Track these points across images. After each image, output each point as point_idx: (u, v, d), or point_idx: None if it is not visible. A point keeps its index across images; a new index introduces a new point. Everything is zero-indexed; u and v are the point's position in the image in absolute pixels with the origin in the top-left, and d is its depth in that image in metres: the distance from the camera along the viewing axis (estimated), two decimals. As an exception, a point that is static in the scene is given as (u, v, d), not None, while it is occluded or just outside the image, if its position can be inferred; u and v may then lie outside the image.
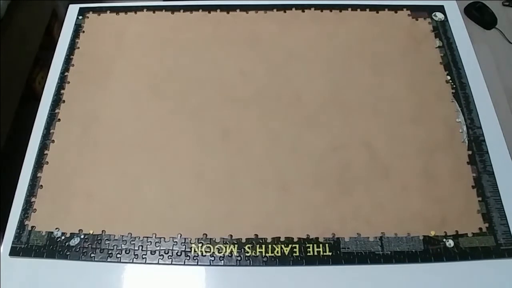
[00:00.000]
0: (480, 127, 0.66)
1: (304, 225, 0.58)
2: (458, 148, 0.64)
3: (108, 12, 0.79)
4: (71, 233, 0.58)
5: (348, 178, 0.62)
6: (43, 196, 0.61)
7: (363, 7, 0.78)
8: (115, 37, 0.76)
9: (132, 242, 0.58)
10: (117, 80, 0.71)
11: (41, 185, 0.62)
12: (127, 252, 0.57)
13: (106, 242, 0.58)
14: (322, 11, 0.78)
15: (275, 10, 0.78)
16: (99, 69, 0.72)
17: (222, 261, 0.56)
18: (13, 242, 0.58)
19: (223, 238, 0.58)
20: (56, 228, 0.59)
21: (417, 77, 0.70)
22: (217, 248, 0.57)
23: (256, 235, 0.58)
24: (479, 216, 0.59)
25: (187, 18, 0.78)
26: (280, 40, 0.75)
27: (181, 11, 0.79)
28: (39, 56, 1.34)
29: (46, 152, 0.65)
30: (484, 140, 0.65)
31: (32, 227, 0.59)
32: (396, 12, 0.77)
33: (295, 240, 0.57)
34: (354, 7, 0.78)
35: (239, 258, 0.57)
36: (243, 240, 0.57)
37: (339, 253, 0.57)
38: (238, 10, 0.78)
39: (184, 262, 0.57)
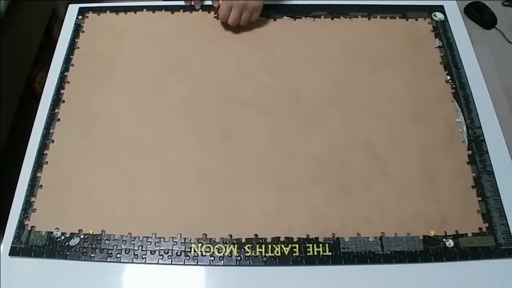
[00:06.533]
0: (480, 127, 0.66)
1: (304, 225, 0.58)
2: (458, 148, 0.64)
3: (108, 12, 0.79)
4: (70, 233, 0.58)
5: (348, 178, 0.62)
6: (43, 196, 0.61)
7: (364, 8, 0.78)
8: (115, 37, 0.76)
9: (132, 242, 0.58)
10: (117, 80, 0.71)
11: (41, 185, 0.62)
12: (127, 252, 0.57)
13: (106, 242, 0.58)
14: (322, 11, 0.78)
15: (275, 10, 0.78)
16: (99, 69, 0.72)
17: (222, 261, 0.56)
18: (13, 242, 0.58)
19: (223, 238, 0.58)
20: (56, 228, 0.59)
21: (417, 77, 0.70)
22: (217, 248, 0.57)
23: (256, 235, 0.58)
24: (479, 216, 0.59)
25: (187, 18, 0.78)
26: (280, 40, 0.75)
27: (181, 11, 0.79)
28: (39, 56, 1.34)
29: (46, 152, 0.65)
30: (484, 140, 0.65)
31: (32, 227, 0.59)
32: (395, 13, 0.77)
33: (295, 240, 0.57)
34: (355, 9, 0.78)
35: (239, 258, 0.56)
36: (243, 240, 0.57)
37: (339, 253, 0.57)
38: (238, 10, 0.78)
39: (184, 262, 0.56)
